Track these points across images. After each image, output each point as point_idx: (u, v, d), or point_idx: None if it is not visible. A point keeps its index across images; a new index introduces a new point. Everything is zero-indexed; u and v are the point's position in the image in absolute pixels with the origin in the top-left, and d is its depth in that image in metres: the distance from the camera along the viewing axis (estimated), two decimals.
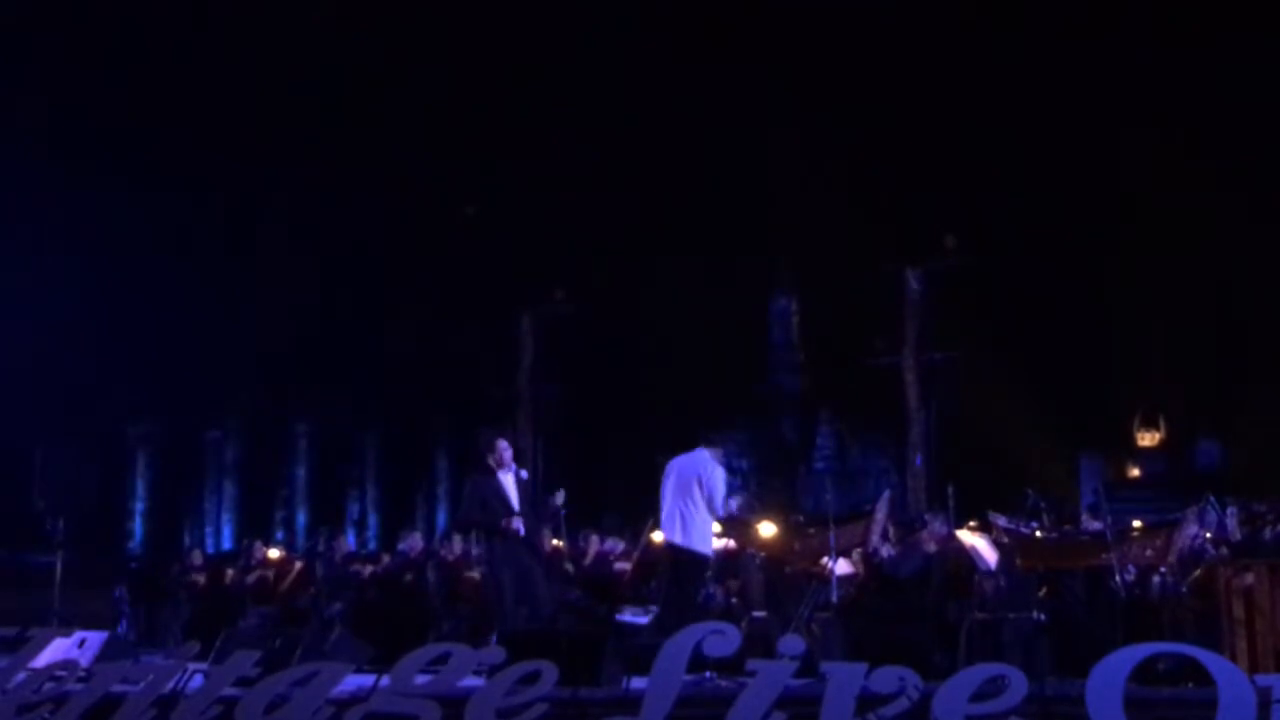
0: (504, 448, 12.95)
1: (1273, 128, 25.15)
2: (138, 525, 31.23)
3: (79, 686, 8.91)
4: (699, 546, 12.37)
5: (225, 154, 27.32)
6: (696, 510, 12.31)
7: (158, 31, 26.50)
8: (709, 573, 14.46)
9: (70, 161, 25.71)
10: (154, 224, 26.79)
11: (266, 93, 27.30)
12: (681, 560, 12.37)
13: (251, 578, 18.09)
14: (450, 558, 17.20)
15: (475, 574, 16.61)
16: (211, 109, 27.18)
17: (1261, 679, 8.01)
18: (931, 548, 13.46)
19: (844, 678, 7.86)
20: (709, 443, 12.70)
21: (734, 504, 14.34)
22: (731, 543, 14.59)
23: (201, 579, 18.73)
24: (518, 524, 12.50)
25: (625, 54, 26.45)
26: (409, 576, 16.93)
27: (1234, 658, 9.60)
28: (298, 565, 18.51)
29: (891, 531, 14.57)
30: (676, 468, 12.60)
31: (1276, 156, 24.90)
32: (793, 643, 8.45)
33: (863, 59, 26.52)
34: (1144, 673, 8.03)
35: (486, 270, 28.25)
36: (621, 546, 16.22)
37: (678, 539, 12.32)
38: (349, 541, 21.74)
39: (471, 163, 27.96)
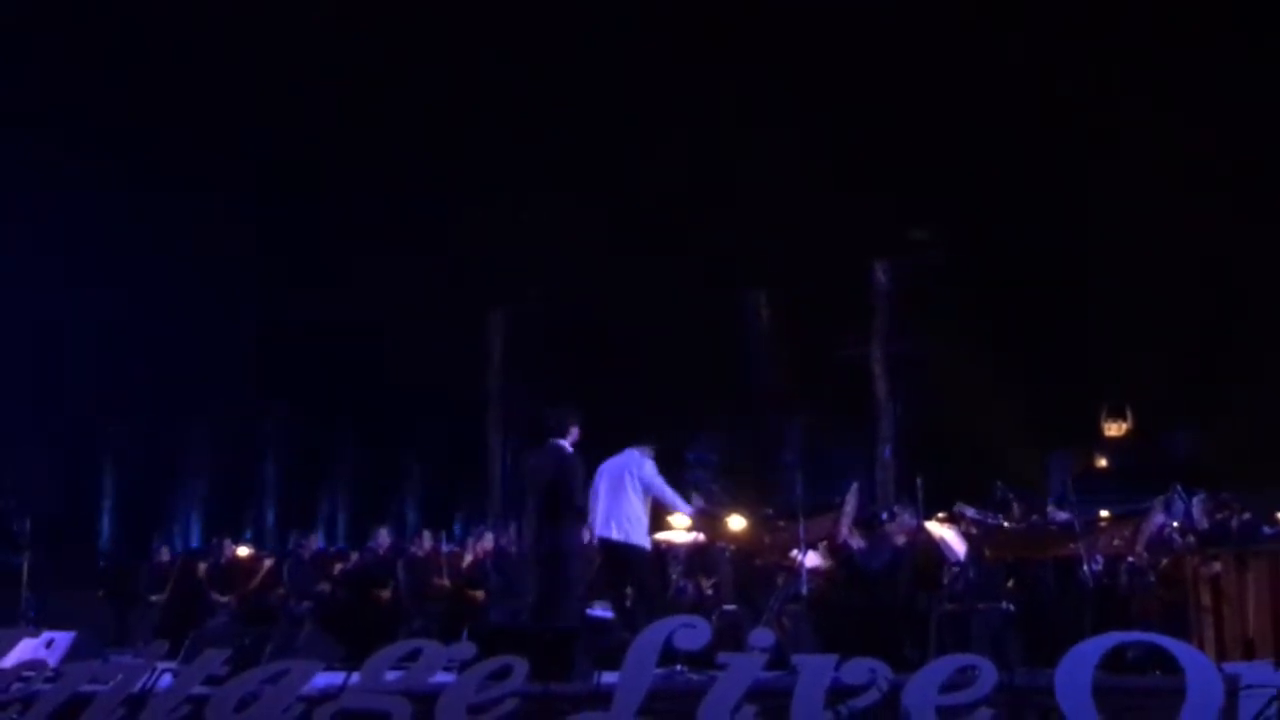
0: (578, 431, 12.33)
1: (1246, 122, 25.33)
2: (106, 524, 31.10)
3: (47, 686, 8.86)
4: (636, 540, 12.33)
5: (196, 153, 27.23)
6: (629, 506, 12.27)
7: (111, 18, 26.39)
8: (679, 565, 14.51)
9: (41, 157, 25.57)
10: (126, 221, 26.66)
11: (243, 92, 27.21)
12: (623, 558, 12.32)
13: (220, 576, 18.07)
14: (420, 554, 17.21)
15: (445, 580, 16.63)
16: (190, 109, 27.09)
17: (1229, 667, 8.07)
18: (901, 540, 13.51)
19: (814, 670, 7.88)
20: (637, 442, 12.65)
21: (698, 501, 14.25)
22: (702, 536, 14.62)
23: (170, 577, 18.68)
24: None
25: (599, 50, 26.47)
26: (378, 574, 16.95)
27: (1202, 646, 9.67)
28: (267, 563, 18.50)
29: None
30: (606, 470, 12.58)
31: (1250, 152, 25.07)
32: (763, 635, 8.45)
33: (830, 56, 26.55)
34: (1112, 662, 8.07)
35: (457, 267, 28.19)
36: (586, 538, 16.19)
37: (614, 535, 12.28)
38: (319, 540, 21.66)
39: (440, 162, 27.91)
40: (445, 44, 27.39)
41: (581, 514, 12.08)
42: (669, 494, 12.76)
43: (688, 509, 13.32)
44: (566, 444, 12.14)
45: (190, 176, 27.23)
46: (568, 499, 11.88)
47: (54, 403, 27.20)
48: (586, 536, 12.97)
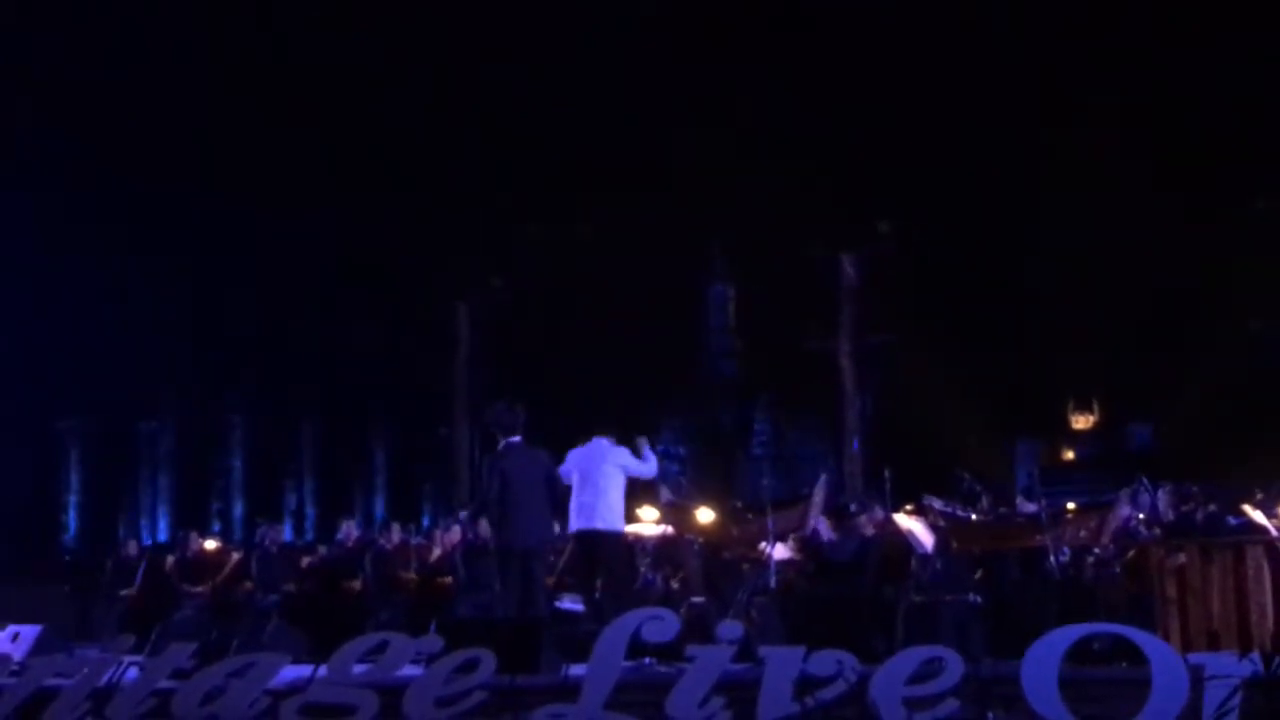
0: None
1: (1205, 124, 25.53)
2: (72, 518, 30.92)
3: (12, 680, 8.81)
4: (617, 526, 12.32)
5: (160, 152, 27.11)
6: (610, 494, 12.25)
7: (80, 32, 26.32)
8: (647, 558, 14.48)
9: (14, 163, 25.42)
10: (90, 218, 26.53)
11: (203, 92, 27.11)
12: (598, 546, 12.30)
13: (187, 569, 17.95)
14: (389, 547, 17.13)
15: (412, 573, 16.55)
16: (151, 106, 26.98)
17: (1194, 658, 8.10)
18: (869, 531, 13.53)
19: (782, 661, 7.89)
20: (601, 432, 12.60)
21: (666, 494, 14.18)
22: (670, 529, 14.60)
23: (137, 572, 18.55)
24: None
25: (572, 51, 26.47)
26: (346, 567, 16.84)
27: (1167, 637, 9.69)
28: (234, 557, 18.38)
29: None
30: (577, 460, 12.53)
31: (1208, 152, 25.26)
32: (731, 628, 8.48)
33: (796, 52, 26.60)
34: (1079, 653, 8.10)
35: (423, 259, 28.12)
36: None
37: (597, 525, 12.25)
38: (286, 532, 21.61)
39: (409, 153, 27.85)
40: (422, 47, 27.35)
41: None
42: (635, 466, 12.72)
43: (651, 465, 13.24)
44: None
45: (160, 177, 27.15)
46: (561, 496, 11.99)
47: (17, 398, 27.02)
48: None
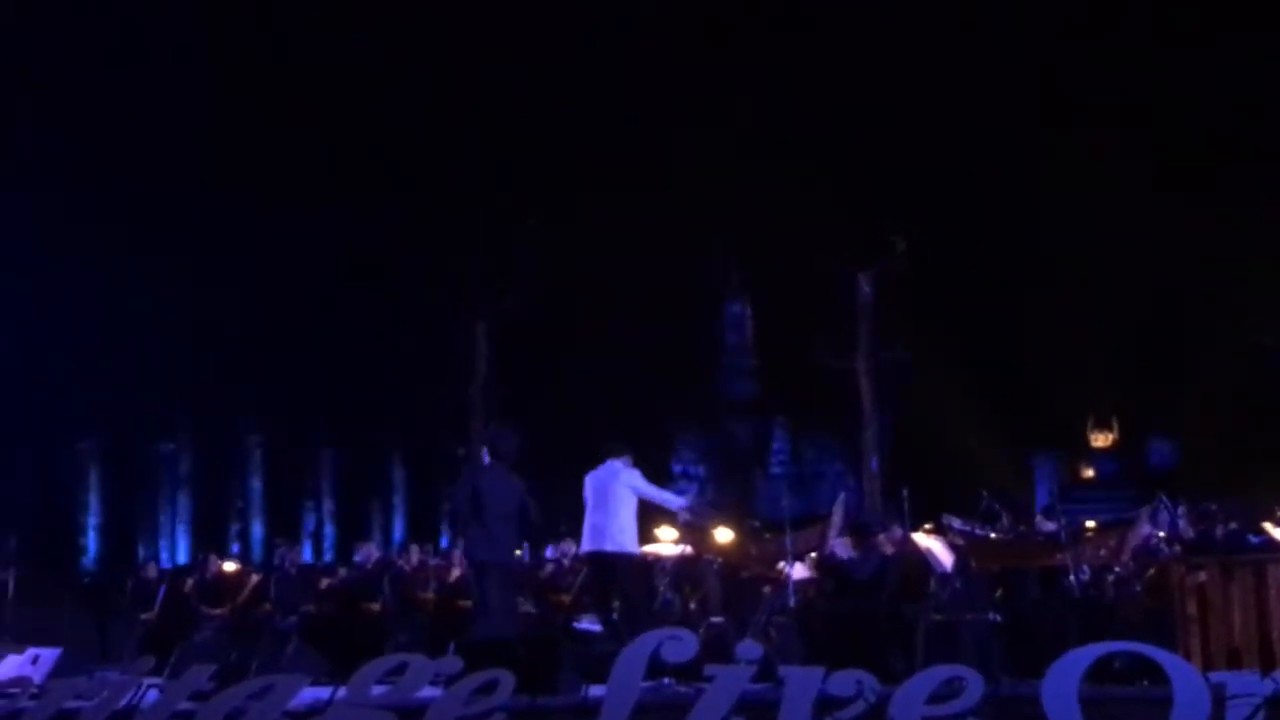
0: None
1: (1217, 133, 25.51)
2: (91, 540, 30.95)
3: (32, 704, 8.83)
4: (629, 548, 12.34)
5: (160, 152, 27.16)
6: (621, 517, 12.28)
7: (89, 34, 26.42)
8: (666, 578, 14.48)
9: (15, 168, 25.49)
10: (103, 234, 26.58)
11: (207, 98, 27.18)
12: (612, 568, 12.33)
13: (207, 591, 17.98)
14: (408, 568, 17.15)
15: (430, 593, 16.56)
16: (151, 106, 27.05)
17: (1215, 676, 8.07)
18: (888, 550, 13.52)
19: (801, 681, 7.87)
20: (613, 453, 12.62)
21: (683, 501, 14.07)
22: (689, 549, 14.60)
23: (157, 593, 18.58)
24: None
25: (579, 60, 26.49)
26: (365, 589, 16.85)
27: (1188, 655, 9.67)
28: (254, 578, 18.41)
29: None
30: (590, 482, 12.57)
31: (1221, 163, 25.25)
32: (750, 647, 8.46)
33: (810, 65, 26.60)
34: (1099, 672, 8.07)
35: (439, 276, 28.14)
36: (574, 550, 16.14)
37: (607, 547, 12.28)
38: (305, 553, 21.61)
39: (418, 169, 27.87)
40: (422, 47, 27.40)
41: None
42: (664, 495, 12.81)
43: (681, 502, 13.29)
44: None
45: (160, 177, 27.22)
46: (536, 522, 12.10)
47: (38, 422, 27.07)
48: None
